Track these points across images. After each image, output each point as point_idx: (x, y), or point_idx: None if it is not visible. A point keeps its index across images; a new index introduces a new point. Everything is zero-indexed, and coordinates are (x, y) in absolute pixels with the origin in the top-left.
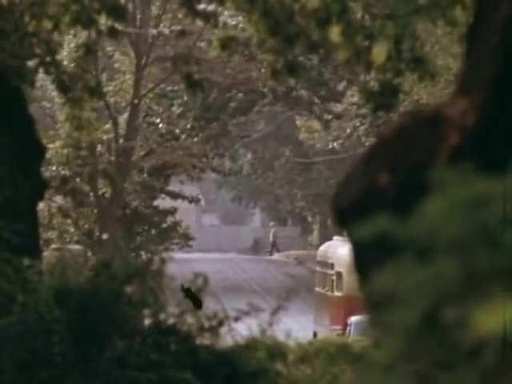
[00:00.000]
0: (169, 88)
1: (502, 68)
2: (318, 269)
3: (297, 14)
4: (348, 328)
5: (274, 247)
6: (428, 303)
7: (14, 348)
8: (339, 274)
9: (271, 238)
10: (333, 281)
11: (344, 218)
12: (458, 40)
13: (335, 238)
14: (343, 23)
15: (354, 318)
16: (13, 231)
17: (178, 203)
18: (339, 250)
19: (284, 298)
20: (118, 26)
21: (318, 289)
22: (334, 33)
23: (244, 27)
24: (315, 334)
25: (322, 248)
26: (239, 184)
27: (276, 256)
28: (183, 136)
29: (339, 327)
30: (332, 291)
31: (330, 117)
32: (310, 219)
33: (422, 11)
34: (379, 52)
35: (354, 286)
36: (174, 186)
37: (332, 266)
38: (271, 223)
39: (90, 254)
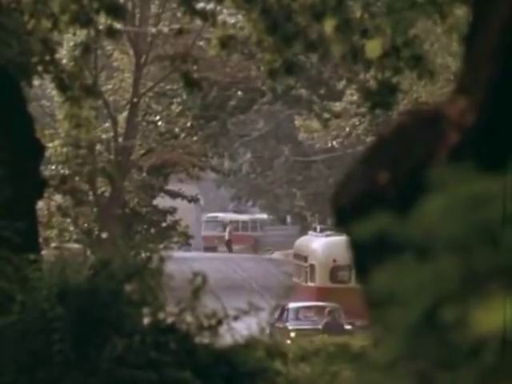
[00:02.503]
0: (168, 87)
1: (502, 67)
2: (294, 261)
3: (295, 12)
4: (285, 313)
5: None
6: (428, 302)
7: (14, 348)
8: (312, 267)
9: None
10: (306, 272)
11: (343, 217)
12: (458, 39)
13: (310, 232)
14: (338, 17)
15: (291, 305)
16: (12, 230)
17: (178, 202)
18: (312, 244)
19: (283, 296)
20: (117, 25)
21: (294, 279)
22: (329, 26)
23: (243, 25)
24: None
25: (297, 242)
26: (238, 183)
27: (276, 255)
28: (182, 135)
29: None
30: (306, 282)
31: (329, 115)
32: (309, 218)
33: (417, 7)
34: (373, 47)
35: (325, 277)
36: (173, 185)
37: (306, 258)
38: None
39: (89, 252)
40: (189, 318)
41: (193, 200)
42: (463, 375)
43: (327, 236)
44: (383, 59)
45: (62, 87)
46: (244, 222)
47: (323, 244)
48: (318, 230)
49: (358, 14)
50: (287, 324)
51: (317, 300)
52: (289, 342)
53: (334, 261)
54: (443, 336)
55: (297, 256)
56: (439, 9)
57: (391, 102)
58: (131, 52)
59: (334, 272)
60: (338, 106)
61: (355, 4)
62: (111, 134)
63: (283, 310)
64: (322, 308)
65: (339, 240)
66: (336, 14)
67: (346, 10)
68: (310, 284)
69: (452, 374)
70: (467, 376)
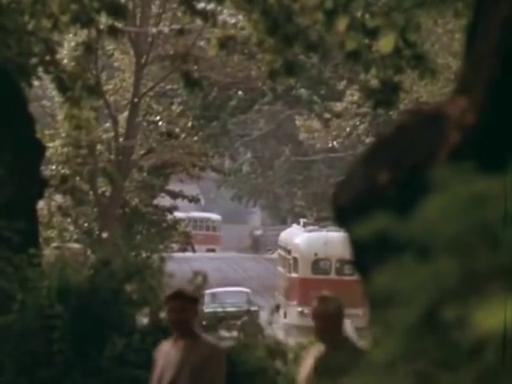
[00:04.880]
0: (169, 87)
1: (502, 67)
2: (279, 252)
3: (296, 13)
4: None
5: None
6: (428, 302)
7: (13, 348)
8: (295, 259)
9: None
10: (290, 264)
11: (343, 217)
12: (458, 38)
13: (294, 225)
14: (350, 15)
15: (208, 291)
16: (13, 230)
17: (178, 202)
18: (296, 238)
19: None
20: (118, 25)
21: (279, 268)
22: (342, 24)
23: (243, 26)
24: (278, 307)
25: (282, 234)
26: (239, 183)
27: (276, 254)
28: (183, 135)
29: (294, 302)
30: (290, 272)
31: (329, 115)
32: (309, 218)
33: (426, 5)
34: (387, 42)
35: (307, 269)
36: (173, 185)
37: (290, 251)
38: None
39: (89, 252)
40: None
41: (193, 200)
42: (463, 375)
43: (310, 231)
44: (385, 58)
45: (62, 88)
46: None
47: (305, 239)
48: (302, 224)
49: (359, 14)
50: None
51: (299, 290)
52: (204, 323)
53: (316, 254)
54: (443, 336)
55: (282, 248)
56: (447, 6)
57: (393, 101)
58: (132, 52)
59: (315, 264)
60: (338, 106)
61: (356, 4)
62: (112, 133)
63: None
64: (239, 293)
65: (320, 235)
66: (347, 12)
67: (358, 8)
68: (294, 275)
69: (452, 374)
70: (467, 376)
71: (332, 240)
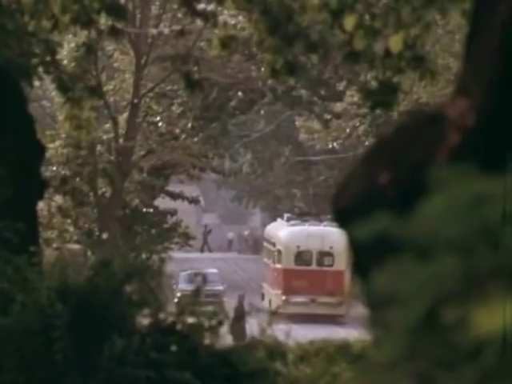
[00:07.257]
0: (168, 87)
1: (502, 68)
2: (265, 244)
3: (296, 12)
4: (178, 279)
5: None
6: (428, 303)
7: (14, 348)
8: (279, 251)
9: None
10: (275, 256)
11: (343, 218)
12: (458, 39)
13: (278, 220)
14: (356, 13)
15: (181, 273)
16: (13, 230)
17: (178, 203)
18: (279, 232)
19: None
20: (118, 26)
21: (265, 260)
22: (349, 23)
23: (244, 26)
24: (263, 296)
25: (267, 228)
26: (239, 184)
27: None
28: (183, 136)
29: (279, 291)
30: (274, 263)
31: (329, 116)
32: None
33: (434, 4)
34: (396, 41)
35: (290, 260)
36: (173, 186)
37: (274, 244)
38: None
39: (89, 253)
40: (189, 318)
41: (193, 201)
42: (463, 375)
43: (293, 225)
44: (385, 59)
45: (63, 88)
46: None
47: (288, 233)
48: (285, 218)
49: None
50: (178, 287)
51: (284, 279)
52: (176, 300)
53: (298, 247)
54: (443, 336)
55: (267, 241)
56: (456, 4)
57: (392, 102)
58: (132, 53)
59: (298, 256)
60: (338, 107)
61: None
62: (112, 134)
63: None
64: (213, 274)
65: (302, 229)
66: (354, 12)
67: (365, 6)
68: (278, 265)
69: (452, 375)
70: (467, 376)
71: (313, 233)
